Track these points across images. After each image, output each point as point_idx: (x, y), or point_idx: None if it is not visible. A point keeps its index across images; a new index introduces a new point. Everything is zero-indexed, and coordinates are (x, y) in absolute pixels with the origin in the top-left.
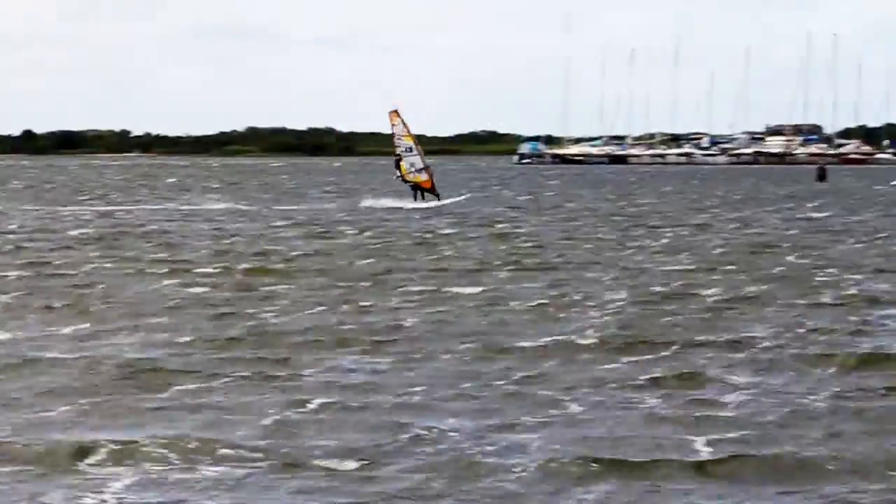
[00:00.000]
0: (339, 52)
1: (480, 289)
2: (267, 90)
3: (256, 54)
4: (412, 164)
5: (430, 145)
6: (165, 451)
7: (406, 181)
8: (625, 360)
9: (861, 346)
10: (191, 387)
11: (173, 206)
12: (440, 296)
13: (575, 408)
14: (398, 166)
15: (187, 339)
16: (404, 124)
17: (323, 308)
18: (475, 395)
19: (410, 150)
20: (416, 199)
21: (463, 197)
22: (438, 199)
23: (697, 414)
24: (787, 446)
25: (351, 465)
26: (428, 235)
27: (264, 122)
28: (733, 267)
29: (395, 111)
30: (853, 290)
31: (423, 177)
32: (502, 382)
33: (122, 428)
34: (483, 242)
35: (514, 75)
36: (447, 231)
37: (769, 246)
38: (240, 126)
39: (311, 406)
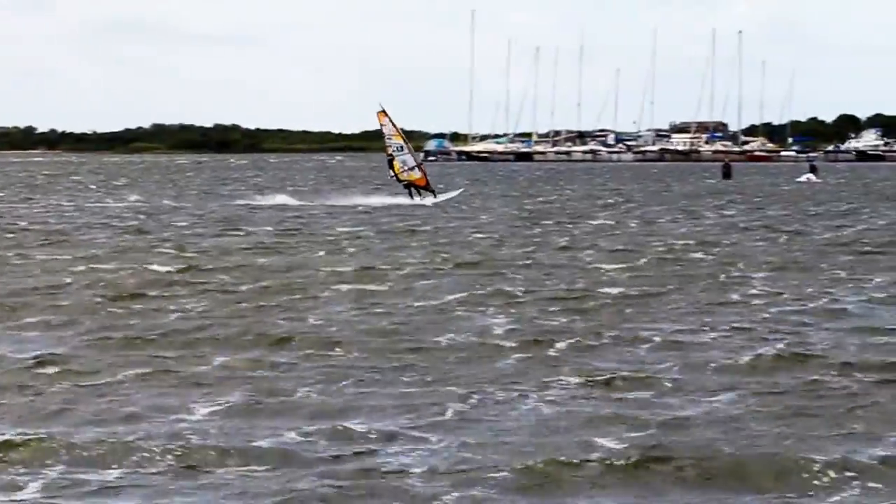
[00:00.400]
0: (242, 49)
1: (388, 286)
2: (173, 87)
3: (162, 51)
4: (404, 163)
5: (337, 142)
6: (65, 451)
7: (400, 180)
8: (526, 357)
9: (764, 344)
10: (87, 384)
11: (75, 203)
12: (347, 295)
13: (463, 406)
14: (391, 166)
15: (87, 336)
16: (393, 123)
17: (227, 307)
18: (379, 395)
19: (401, 148)
20: (411, 197)
21: (458, 192)
22: (434, 196)
23: (604, 413)
24: (695, 446)
25: (256, 466)
26: (334, 234)
27: (170, 118)
28: (638, 264)
29: (383, 111)
30: (756, 289)
31: (417, 174)
32: (407, 380)
33: (23, 426)
34: (392, 239)
35: (420, 73)
36: (350, 229)
37: (673, 243)
38: (145, 123)
39: (216, 406)
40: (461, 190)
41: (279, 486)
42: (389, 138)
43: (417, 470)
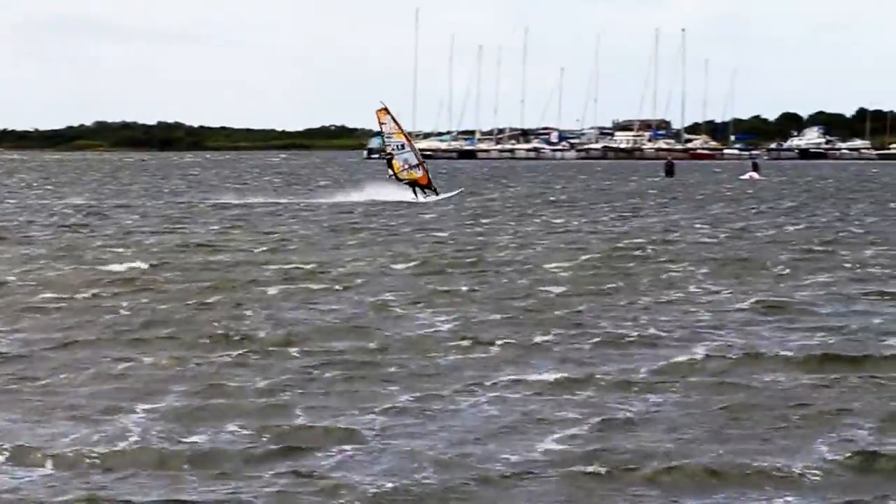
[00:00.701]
0: (185, 47)
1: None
2: (115, 84)
3: (104, 48)
4: (406, 161)
5: (280, 140)
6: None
7: (400, 179)
8: (467, 356)
9: (706, 343)
10: (28, 383)
11: (17, 201)
12: (289, 293)
13: (404, 405)
14: (390, 165)
15: (27, 335)
16: (395, 121)
17: (169, 305)
18: (318, 394)
19: (402, 146)
20: (415, 195)
21: (458, 191)
22: (437, 195)
23: (544, 412)
24: (635, 448)
25: (192, 467)
26: (278, 232)
27: (113, 116)
28: (582, 262)
29: (384, 108)
30: (699, 287)
31: (419, 173)
32: (347, 378)
33: None
34: (334, 238)
35: (364, 71)
36: (293, 227)
37: (617, 242)
38: (88, 120)
39: (156, 405)
40: (461, 189)
41: (211, 487)
42: (389, 136)
43: (356, 470)
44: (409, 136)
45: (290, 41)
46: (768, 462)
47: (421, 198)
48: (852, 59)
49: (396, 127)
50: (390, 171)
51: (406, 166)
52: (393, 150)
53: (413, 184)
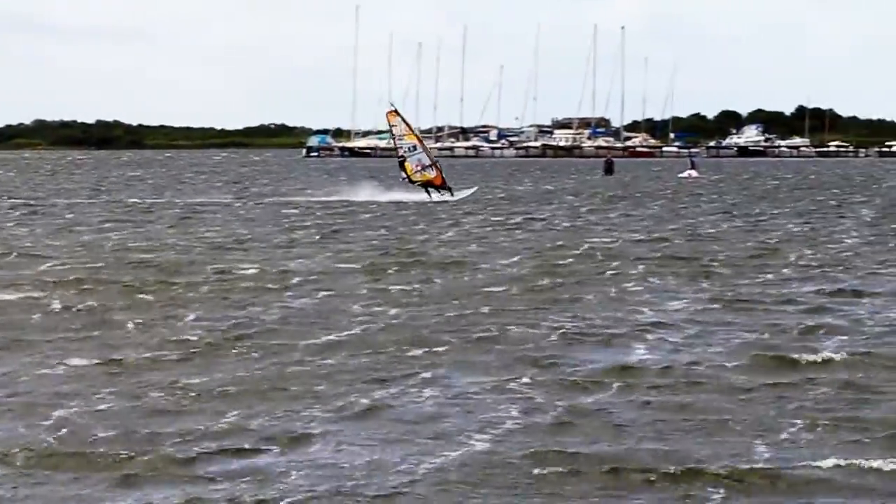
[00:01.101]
0: (123, 44)
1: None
2: (53, 82)
3: (42, 46)
4: (419, 162)
5: (219, 138)
6: None
7: (413, 181)
8: (408, 355)
9: (647, 346)
10: None
11: None
12: (228, 293)
13: (345, 405)
14: (402, 167)
15: None
16: (405, 122)
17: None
18: (254, 394)
19: (414, 148)
20: (429, 195)
21: (473, 190)
22: (452, 195)
23: (484, 413)
24: (573, 451)
25: (108, 472)
26: (225, 233)
27: (51, 114)
28: (514, 260)
29: (394, 110)
30: (634, 285)
31: (432, 173)
32: (285, 378)
33: None
34: (272, 238)
35: (304, 69)
36: (233, 229)
37: (558, 241)
38: (27, 119)
39: (90, 407)
40: (475, 188)
41: (124, 492)
42: (401, 138)
43: (295, 472)
44: (421, 136)
45: (228, 39)
46: (709, 462)
47: (435, 197)
48: (792, 57)
49: (407, 128)
50: (403, 174)
51: (419, 167)
52: (405, 152)
53: (427, 185)
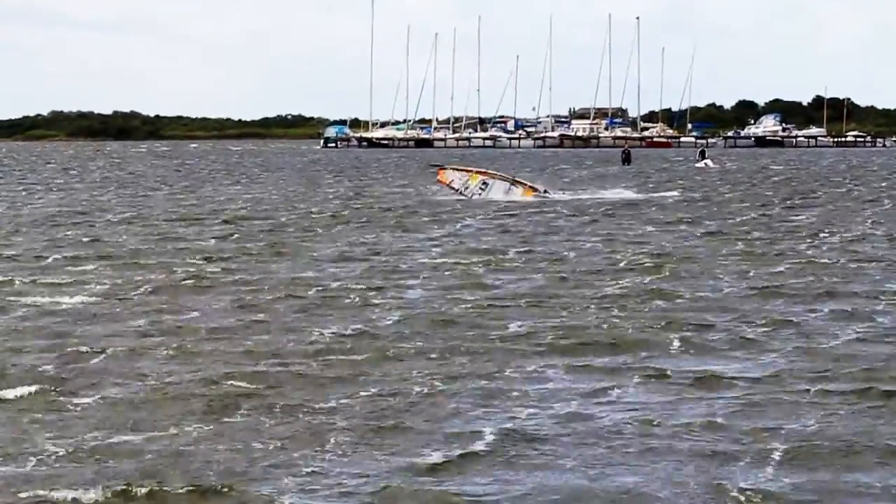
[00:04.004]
0: (141, 36)
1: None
2: (71, 74)
3: (58, 38)
4: (505, 192)
5: (236, 129)
6: None
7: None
8: (352, 358)
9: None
10: None
11: None
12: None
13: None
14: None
15: None
16: (457, 170)
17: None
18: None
19: (485, 185)
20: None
21: (561, 193)
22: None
23: (449, 432)
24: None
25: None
26: (191, 236)
27: (69, 106)
28: (513, 254)
29: (440, 169)
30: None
31: (519, 193)
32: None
33: None
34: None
35: (321, 60)
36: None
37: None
38: (44, 110)
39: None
40: (561, 191)
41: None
42: (467, 187)
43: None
44: (483, 170)
45: (246, 30)
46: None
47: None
48: (809, 46)
49: (465, 172)
50: (526, 198)
51: (508, 189)
52: (483, 193)
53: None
